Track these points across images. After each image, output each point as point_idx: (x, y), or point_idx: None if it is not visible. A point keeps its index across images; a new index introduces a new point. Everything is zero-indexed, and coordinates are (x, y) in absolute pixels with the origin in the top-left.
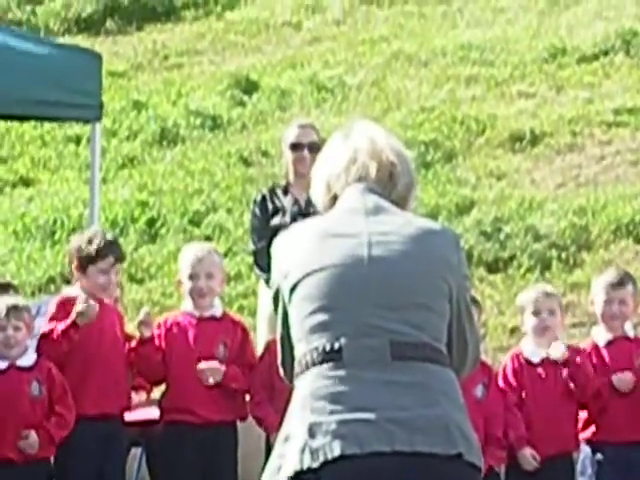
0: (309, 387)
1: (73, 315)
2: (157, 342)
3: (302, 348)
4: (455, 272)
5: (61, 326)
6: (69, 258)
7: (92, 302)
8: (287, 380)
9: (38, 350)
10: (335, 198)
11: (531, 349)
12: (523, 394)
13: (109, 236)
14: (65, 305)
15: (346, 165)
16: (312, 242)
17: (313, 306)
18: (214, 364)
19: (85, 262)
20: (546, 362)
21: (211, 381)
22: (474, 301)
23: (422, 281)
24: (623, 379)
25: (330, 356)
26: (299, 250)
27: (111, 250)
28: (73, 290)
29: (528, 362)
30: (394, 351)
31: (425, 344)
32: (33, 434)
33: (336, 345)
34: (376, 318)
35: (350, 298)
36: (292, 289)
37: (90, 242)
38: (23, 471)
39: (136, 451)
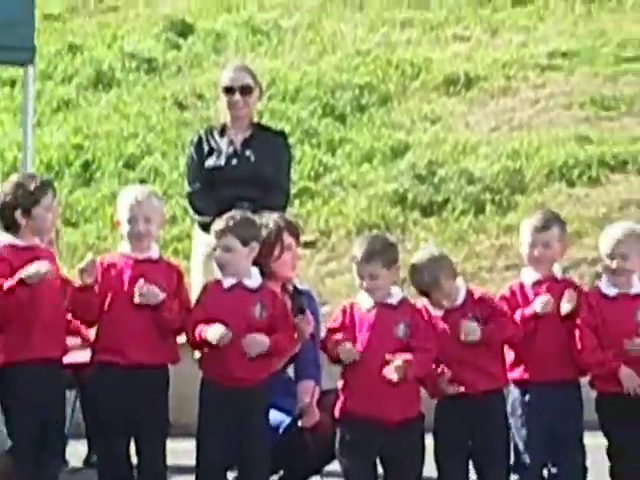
0: None
1: (24, 274)
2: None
3: None
4: None
5: (7, 283)
6: (4, 210)
7: (47, 265)
8: None
9: None
10: None
11: None
12: None
13: (37, 174)
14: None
15: None
16: None
17: None
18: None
19: (29, 204)
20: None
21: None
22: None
23: None
24: (542, 302)
25: None
26: None
27: (49, 185)
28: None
29: None
30: None
31: None
32: None
33: None
34: None
35: None
36: None
37: (24, 185)
38: None
39: (70, 394)
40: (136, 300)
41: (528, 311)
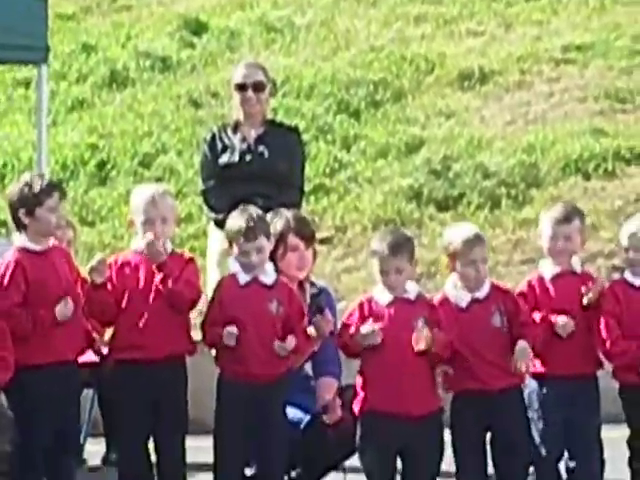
0: None
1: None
2: (109, 283)
3: None
4: None
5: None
6: (10, 209)
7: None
8: None
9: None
10: None
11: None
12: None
13: (47, 175)
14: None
15: None
16: None
17: None
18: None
19: (32, 205)
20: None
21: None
22: None
23: None
24: (563, 325)
25: None
26: None
27: (55, 186)
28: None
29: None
30: None
31: None
32: None
33: None
34: None
35: None
36: None
37: (30, 186)
38: None
39: (88, 392)
40: (144, 250)
41: (545, 313)
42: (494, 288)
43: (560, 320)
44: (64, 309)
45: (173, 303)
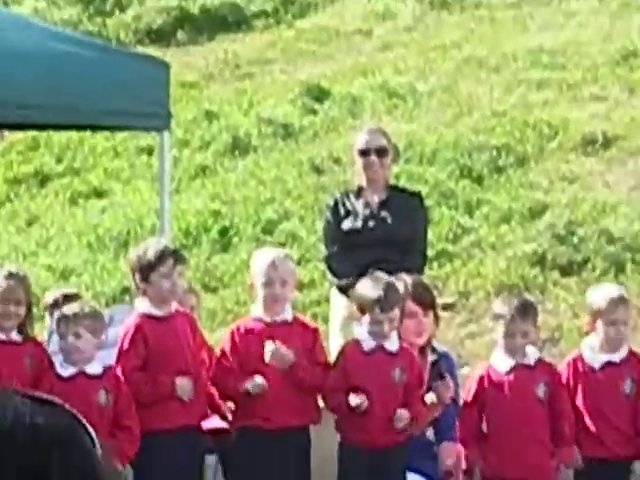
0: None
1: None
2: (231, 349)
3: None
4: None
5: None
6: (131, 273)
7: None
8: None
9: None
10: None
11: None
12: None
13: (164, 241)
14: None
15: None
16: None
17: None
18: (282, 348)
19: (146, 270)
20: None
21: (281, 365)
22: None
23: None
24: None
25: None
26: None
27: (169, 253)
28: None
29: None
30: None
31: None
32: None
33: None
34: None
35: None
36: None
37: (146, 251)
38: None
39: (211, 459)
40: (267, 360)
41: None
42: (632, 354)
43: None
44: (185, 387)
45: (299, 387)
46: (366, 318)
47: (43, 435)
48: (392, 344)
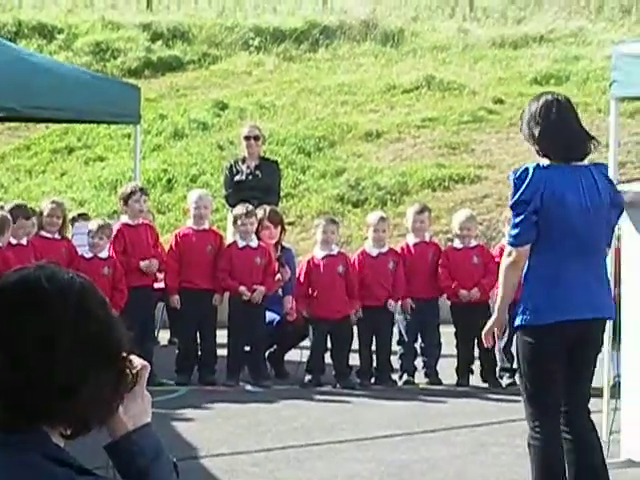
0: None
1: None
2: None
3: None
4: None
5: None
6: (118, 201)
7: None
8: None
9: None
10: None
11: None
12: None
13: (136, 183)
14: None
15: None
16: None
17: None
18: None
19: (126, 199)
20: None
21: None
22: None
23: None
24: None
25: None
26: None
27: (139, 189)
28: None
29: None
30: None
31: None
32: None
33: None
34: None
35: None
36: None
37: (126, 188)
38: None
39: (160, 305)
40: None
41: None
42: (390, 249)
43: None
44: (149, 267)
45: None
46: (237, 226)
47: (74, 285)
48: (254, 242)
